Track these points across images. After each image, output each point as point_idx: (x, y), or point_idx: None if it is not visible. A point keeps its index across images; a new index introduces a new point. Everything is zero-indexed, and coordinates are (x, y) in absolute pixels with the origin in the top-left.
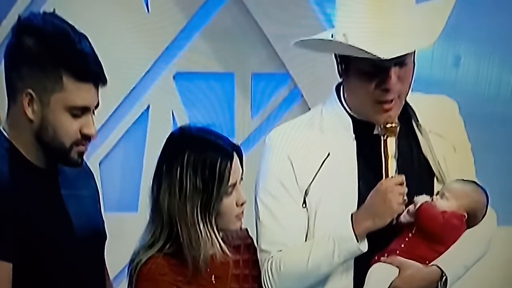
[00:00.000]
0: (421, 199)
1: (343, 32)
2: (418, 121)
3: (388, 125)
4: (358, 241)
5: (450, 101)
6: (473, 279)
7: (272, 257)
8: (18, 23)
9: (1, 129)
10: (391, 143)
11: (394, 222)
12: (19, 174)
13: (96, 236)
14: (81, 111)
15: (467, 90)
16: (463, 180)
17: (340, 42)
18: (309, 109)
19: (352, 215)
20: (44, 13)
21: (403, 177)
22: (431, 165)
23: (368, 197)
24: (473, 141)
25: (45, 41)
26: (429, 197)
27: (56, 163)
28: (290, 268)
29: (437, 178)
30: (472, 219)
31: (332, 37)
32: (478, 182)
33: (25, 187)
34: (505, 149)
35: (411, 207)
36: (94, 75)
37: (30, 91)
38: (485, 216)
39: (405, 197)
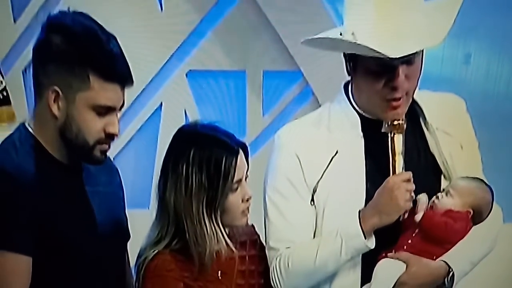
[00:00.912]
0: (422, 200)
1: (351, 30)
2: (425, 118)
3: (395, 122)
4: (365, 238)
5: (457, 98)
6: (479, 275)
7: (280, 254)
8: (47, 21)
9: (26, 125)
10: (398, 140)
11: (402, 218)
12: (44, 170)
13: (119, 233)
14: (106, 110)
15: (477, 88)
16: (468, 177)
17: (349, 41)
18: (320, 106)
19: (359, 212)
20: (74, 12)
21: (410, 173)
22: (438, 162)
23: (375, 194)
24: (482, 138)
25: (73, 39)
26: (425, 196)
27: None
28: (298, 265)
29: (444, 175)
30: (477, 216)
31: (340, 35)
32: (485, 180)
33: (49, 182)
34: None
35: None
36: (121, 76)
37: (56, 88)
38: (491, 213)
39: (413, 194)
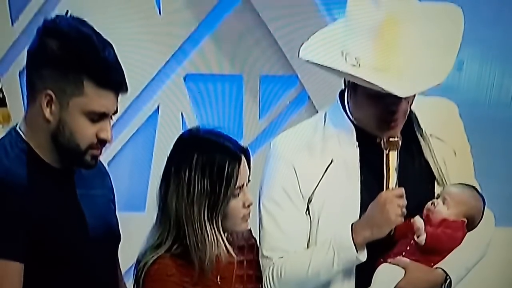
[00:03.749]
0: (419, 223)
1: (355, 54)
2: (419, 125)
3: (391, 139)
4: (357, 251)
5: (450, 103)
6: (473, 280)
7: (273, 263)
8: (43, 25)
9: (17, 129)
10: (393, 156)
11: (392, 233)
12: (35, 175)
13: (110, 235)
14: (99, 117)
15: (469, 94)
16: (462, 184)
17: (354, 75)
18: (317, 111)
19: (352, 224)
20: (70, 17)
21: (403, 189)
22: (432, 168)
23: (368, 208)
24: (474, 144)
25: (69, 45)
26: (419, 218)
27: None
28: (291, 275)
29: (437, 181)
30: (470, 224)
31: (342, 54)
32: (477, 184)
33: (41, 187)
34: (505, 153)
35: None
36: (116, 83)
37: (50, 92)
38: (484, 220)
39: (404, 210)
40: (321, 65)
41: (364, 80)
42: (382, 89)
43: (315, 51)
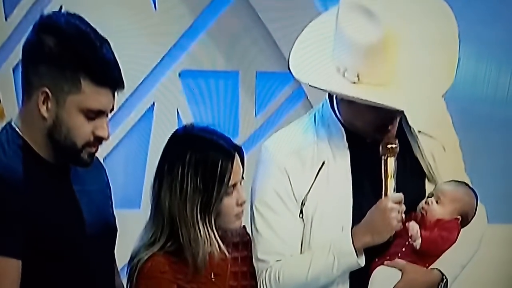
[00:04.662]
0: (414, 228)
1: (357, 71)
2: (407, 123)
3: (389, 146)
4: (357, 256)
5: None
6: (469, 278)
7: (270, 267)
8: (40, 21)
9: (13, 125)
10: (391, 163)
11: (391, 238)
12: (32, 171)
13: (107, 231)
14: (96, 114)
15: (465, 92)
16: (454, 181)
17: (362, 98)
18: (312, 107)
19: (351, 229)
20: (67, 13)
21: (402, 195)
22: (422, 165)
23: (367, 214)
24: (470, 141)
25: (66, 42)
26: (415, 223)
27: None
28: (290, 280)
29: (427, 177)
30: (464, 220)
31: (339, 71)
32: (468, 178)
33: (37, 184)
34: (501, 150)
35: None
36: (113, 81)
37: (46, 89)
38: (477, 215)
39: (403, 215)
40: (321, 89)
41: (368, 100)
42: (394, 108)
43: (309, 72)
